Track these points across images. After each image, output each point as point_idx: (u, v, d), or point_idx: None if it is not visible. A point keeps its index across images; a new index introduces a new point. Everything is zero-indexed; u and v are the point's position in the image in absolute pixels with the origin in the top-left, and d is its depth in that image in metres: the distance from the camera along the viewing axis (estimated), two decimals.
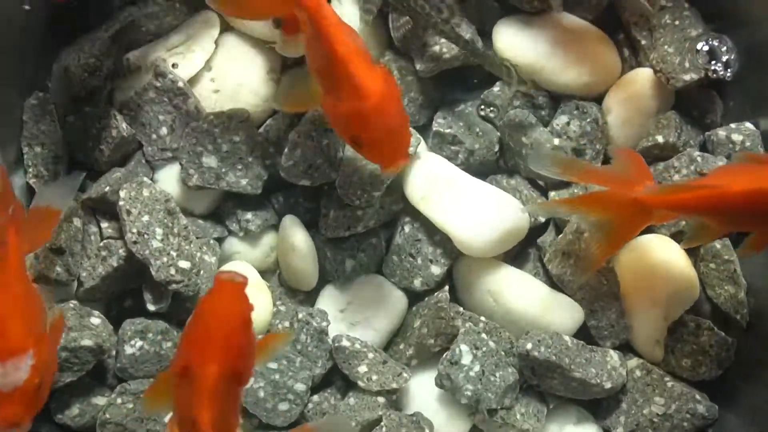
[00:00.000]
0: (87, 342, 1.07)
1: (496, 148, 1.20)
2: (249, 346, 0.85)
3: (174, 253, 1.10)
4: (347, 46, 0.94)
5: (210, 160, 1.15)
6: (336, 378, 1.15)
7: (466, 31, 1.16)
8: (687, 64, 1.15)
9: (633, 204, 0.99)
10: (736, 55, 1.16)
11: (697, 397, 1.11)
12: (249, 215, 1.18)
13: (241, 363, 0.82)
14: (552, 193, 1.19)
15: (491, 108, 1.20)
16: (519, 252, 1.19)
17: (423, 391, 1.14)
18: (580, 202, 1.08)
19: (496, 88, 1.21)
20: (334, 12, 0.97)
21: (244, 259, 1.19)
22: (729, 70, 1.17)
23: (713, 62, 1.16)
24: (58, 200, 1.07)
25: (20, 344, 0.88)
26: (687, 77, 1.15)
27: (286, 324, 1.14)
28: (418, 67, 1.18)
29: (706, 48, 1.16)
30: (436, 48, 1.16)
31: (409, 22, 1.17)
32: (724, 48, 1.16)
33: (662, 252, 1.13)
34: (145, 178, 1.14)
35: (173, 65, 1.18)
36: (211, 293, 0.85)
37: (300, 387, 1.09)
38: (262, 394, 1.09)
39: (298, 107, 1.12)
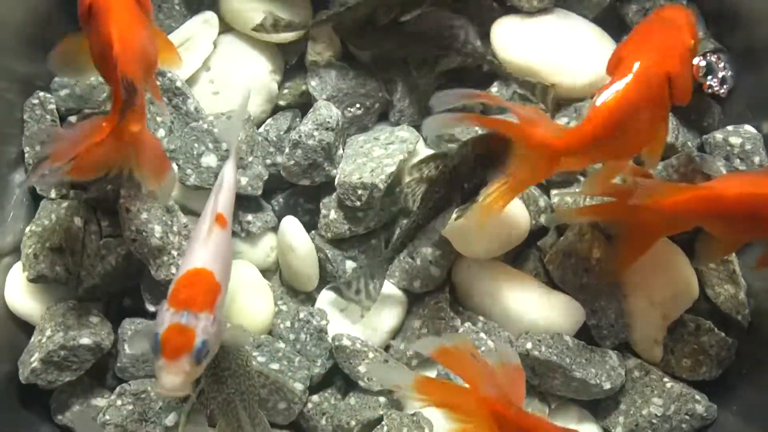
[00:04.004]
0: (86, 340, 1.07)
1: None
2: None
3: (174, 252, 1.10)
4: None
5: (209, 160, 1.15)
6: (336, 378, 1.15)
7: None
8: None
9: (644, 211, 0.99)
10: (733, 71, 1.17)
11: (697, 397, 1.11)
12: (249, 216, 1.18)
13: None
14: (553, 192, 1.18)
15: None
16: (519, 252, 1.18)
17: None
18: (597, 211, 1.10)
19: (494, 89, 1.21)
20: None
21: (245, 259, 1.18)
22: (724, 86, 1.17)
23: (709, 77, 1.17)
24: None
25: None
26: None
27: (287, 324, 1.14)
28: None
29: (703, 63, 1.17)
30: None
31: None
32: (722, 64, 1.17)
33: (662, 252, 1.13)
34: None
35: None
36: None
37: (298, 386, 1.09)
38: (263, 392, 1.09)
39: None
